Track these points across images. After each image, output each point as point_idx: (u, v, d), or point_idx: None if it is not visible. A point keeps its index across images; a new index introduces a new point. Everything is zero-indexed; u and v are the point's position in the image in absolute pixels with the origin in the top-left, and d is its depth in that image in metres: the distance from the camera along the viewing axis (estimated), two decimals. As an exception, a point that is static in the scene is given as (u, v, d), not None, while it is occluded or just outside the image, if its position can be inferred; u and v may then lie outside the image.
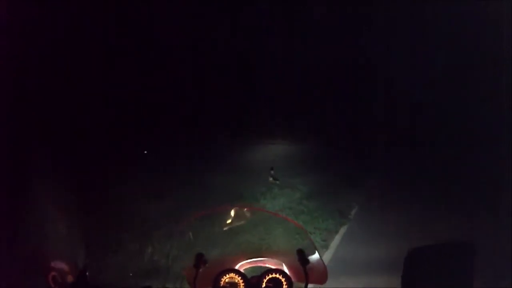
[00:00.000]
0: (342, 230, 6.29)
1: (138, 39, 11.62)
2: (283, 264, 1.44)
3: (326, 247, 5.43)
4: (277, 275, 1.34)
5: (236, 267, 1.43)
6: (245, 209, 1.51)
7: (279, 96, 15.56)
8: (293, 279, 1.36)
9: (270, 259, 1.47)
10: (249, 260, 1.48)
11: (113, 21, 10.32)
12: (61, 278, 1.32)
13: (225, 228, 1.50)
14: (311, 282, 1.32)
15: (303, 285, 1.29)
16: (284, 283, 1.33)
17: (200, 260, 1.35)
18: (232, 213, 1.49)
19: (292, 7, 15.46)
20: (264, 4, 15.25)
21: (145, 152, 8.81)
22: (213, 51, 13.78)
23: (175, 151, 10.50)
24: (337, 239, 5.84)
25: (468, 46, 15.43)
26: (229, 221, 1.48)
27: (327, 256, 4.94)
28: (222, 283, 1.34)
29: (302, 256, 1.34)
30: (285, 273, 1.36)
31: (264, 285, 1.33)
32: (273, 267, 1.42)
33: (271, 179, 8.87)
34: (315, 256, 1.39)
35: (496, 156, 9.41)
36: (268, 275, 1.34)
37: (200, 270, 1.33)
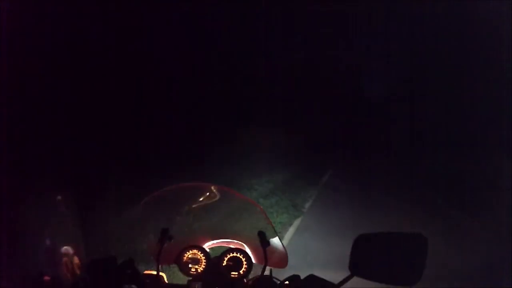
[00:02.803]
0: (296, 222, 6.74)
1: (133, 41, 11.23)
2: (245, 245, 1.46)
3: (280, 238, 5.77)
4: (238, 255, 1.37)
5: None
6: (212, 187, 1.43)
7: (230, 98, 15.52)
8: (254, 260, 1.40)
9: (234, 240, 1.48)
10: (214, 241, 1.50)
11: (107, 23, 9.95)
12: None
13: (193, 206, 1.47)
14: (271, 265, 1.32)
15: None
16: (244, 262, 1.36)
17: (164, 235, 1.30)
18: (199, 190, 1.46)
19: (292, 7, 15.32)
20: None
21: None
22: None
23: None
24: (290, 231, 6.24)
25: (468, 46, 15.89)
26: (196, 199, 1.46)
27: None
28: (184, 258, 1.37)
29: (263, 238, 1.32)
30: (246, 253, 1.38)
31: (224, 263, 1.36)
32: (235, 247, 1.44)
33: None
34: (276, 239, 1.38)
35: (496, 155, 10.05)
36: (229, 254, 1.37)
37: (165, 245, 1.29)
